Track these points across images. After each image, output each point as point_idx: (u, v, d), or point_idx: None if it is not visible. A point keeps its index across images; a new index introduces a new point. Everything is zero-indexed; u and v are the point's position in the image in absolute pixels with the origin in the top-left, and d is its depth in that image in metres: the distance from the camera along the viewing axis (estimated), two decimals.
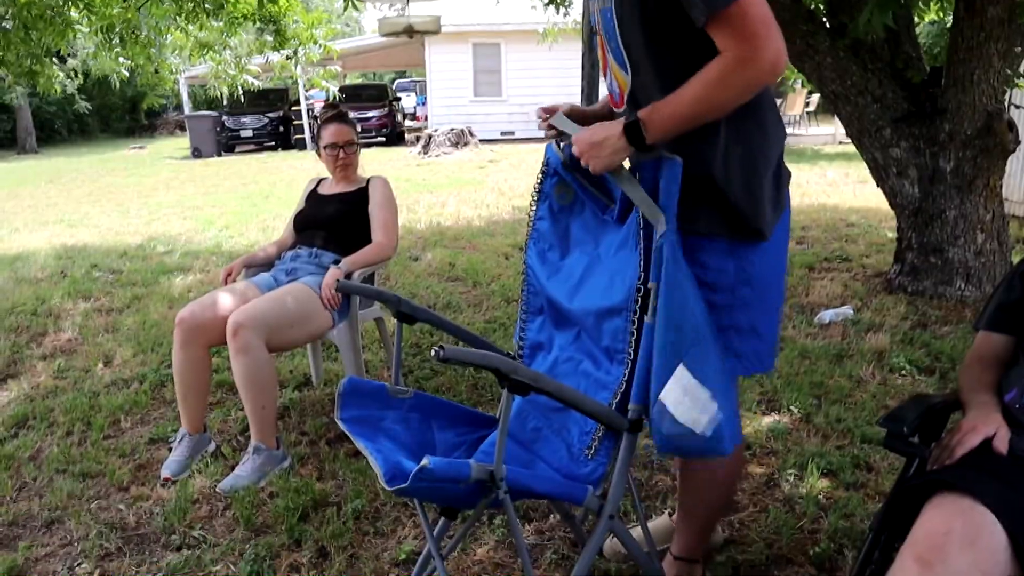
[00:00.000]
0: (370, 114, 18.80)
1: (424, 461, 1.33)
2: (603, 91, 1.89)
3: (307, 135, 19.07)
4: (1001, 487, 1.36)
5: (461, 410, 1.99)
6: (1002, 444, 1.48)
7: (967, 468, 1.44)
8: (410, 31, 4.13)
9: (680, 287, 1.50)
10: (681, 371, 1.47)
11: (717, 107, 1.46)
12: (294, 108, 19.56)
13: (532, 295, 1.95)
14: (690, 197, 1.54)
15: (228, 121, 19.53)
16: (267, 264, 3.19)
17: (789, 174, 1.72)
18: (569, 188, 1.82)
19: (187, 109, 21.58)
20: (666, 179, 1.52)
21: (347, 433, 1.69)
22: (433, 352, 1.30)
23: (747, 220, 1.59)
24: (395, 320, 1.96)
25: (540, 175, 1.87)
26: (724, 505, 2.12)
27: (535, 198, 1.89)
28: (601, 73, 1.78)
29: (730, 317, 1.65)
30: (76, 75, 11.12)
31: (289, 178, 12.85)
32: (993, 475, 1.40)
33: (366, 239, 3.08)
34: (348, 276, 2.92)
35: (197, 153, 18.39)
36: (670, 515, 2.23)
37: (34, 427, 3.25)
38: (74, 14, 6.28)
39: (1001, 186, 4.40)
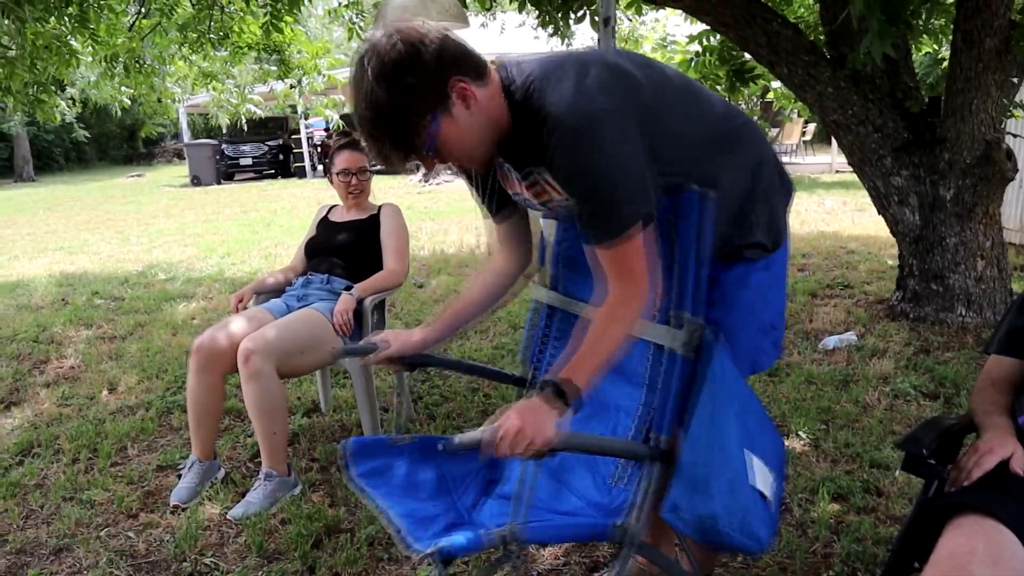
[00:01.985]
0: None
1: (431, 549, 1.35)
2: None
3: (307, 163, 19.17)
4: (1021, 507, 1.38)
5: None
6: (1019, 466, 1.50)
7: (987, 489, 1.45)
8: None
9: (736, 395, 1.59)
10: (748, 455, 1.56)
11: (618, 343, 1.51)
12: (293, 136, 19.68)
13: (557, 319, 1.97)
14: (733, 234, 1.63)
15: (227, 149, 19.64)
16: (277, 290, 3.20)
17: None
18: None
19: (186, 137, 21.70)
20: (697, 215, 1.56)
21: (359, 494, 1.70)
22: (440, 447, 1.32)
23: (778, 234, 1.69)
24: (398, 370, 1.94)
25: None
26: None
27: (552, 223, 1.92)
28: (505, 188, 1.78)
29: (762, 319, 1.74)
30: (74, 103, 11.22)
31: (290, 206, 12.90)
32: (1012, 496, 1.42)
33: (377, 266, 3.11)
34: (360, 302, 2.94)
35: (196, 181, 18.46)
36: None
37: (39, 454, 3.24)
38: (78, 44, 6.36)
39: (1000, 214, 4.45)
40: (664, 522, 1.52)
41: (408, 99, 1.41)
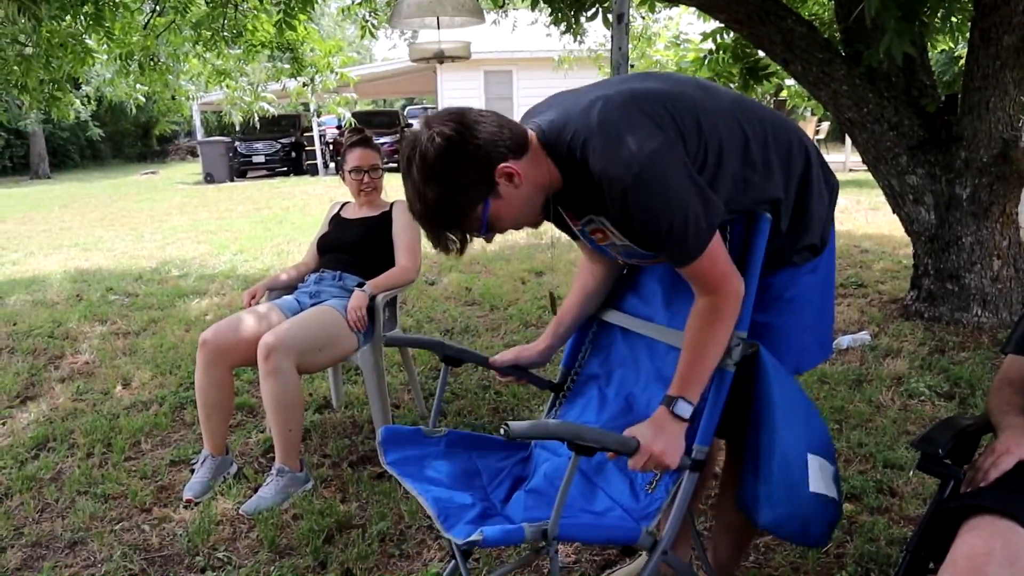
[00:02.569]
0: (382, 140, 18.93)
1: (477, 536, 1.37)
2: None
3: (319, 161, 19.22)
4: None
5: (495, 440, 2.02)
6: None
7: (1003, 490, 1.44)
8: (440, 57, 4.22)
9: (789, 389, 1.66)
10: (811, 458, 1.64)
11: (720, 348, 1.58)
12: (306, 134, 19.74)
13: (603, 333, 2.02)
14: (787, 241, 1.68)
15: (240, 147, 19.70)
16: (289, 287, 3.21)
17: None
18: None
19: (199, 135, 21.78)
20: (753, 233, 1.61)
21: (397, 478, 1.73)
22: (502, 431, 1.36)
23: (825, 234, 1.74)
24: (442, 364, 2.00)
25: None
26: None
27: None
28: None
29: (808, 320, 1.78)
30: (89, 101, 11.29)
31: (302, 203, 12.94)
32: None
33: (389, 263, 3.11)
34: (372, 299, 2.94)
35: (209, 178, 18.54)
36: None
37: (54, 448, 3.26)
38: (93, 42, 6.40)
39: (1016, 213, 4.41)
40: (685, 526, 1.56)
41: (458, 194, 1.47)
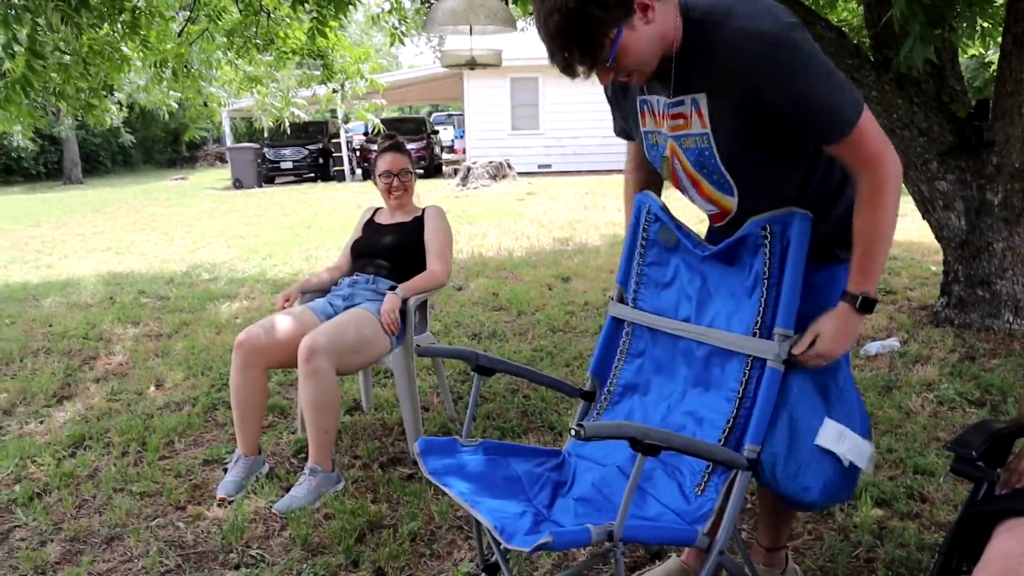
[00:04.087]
0: (409, 146, 19.00)
1: (547, 538, 1.39)
2: None
3: (346, 167, 19.37)
4: None
5: (527, 448, 2.06)
6: None
7: None
8: (472, 64, 4.27)
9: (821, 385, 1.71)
10: (829, 422, 1.68)
11: (891, 229, 1.61)
12: (333, 140, 19.91)
13: (636, 338, 2.03)
14: (838, 234, 1.71)
15: (268, 153, 19.92)
16: (322, 290, 3.26)
17: None
18: (671, 231, 1.92)
19: (228, 141, 22.04)
20: (798, 233, 1.65)
21: (444, 489, 1.74)
22: (573, 432, 1.39)
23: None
24: (474, 374, 2.03)
25: (644, 222, 1.99)
26: None
27: (644, 245, 1.99)
28: (683, 192, 1.86)
29: None
30: (122, 108, 11.48)
31: (329, 209, 13.06)
32: None
33: (421, 267, 3.14)
34: (404, 302, 2.98)
35: (238, 184, 18.75)
36: (677, 555, 2.23)
37: (91, 447, 3.33)
38: (129, 49, 6.51)
39: None
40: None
41: (600, 11, 1.46)
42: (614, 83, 1.79)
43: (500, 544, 1.50)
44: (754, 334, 1.72)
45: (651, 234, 1.97)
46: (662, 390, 1.91)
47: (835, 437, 1.66)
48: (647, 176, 2.05)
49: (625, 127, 1.92)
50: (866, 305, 1.62)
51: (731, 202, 1.74)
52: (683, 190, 1.83)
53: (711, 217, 1.87)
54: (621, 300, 2.05)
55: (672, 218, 1.91)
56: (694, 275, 1.88)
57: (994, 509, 1.43)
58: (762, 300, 1.70)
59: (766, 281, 1.70)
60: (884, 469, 2.81)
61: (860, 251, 1.60)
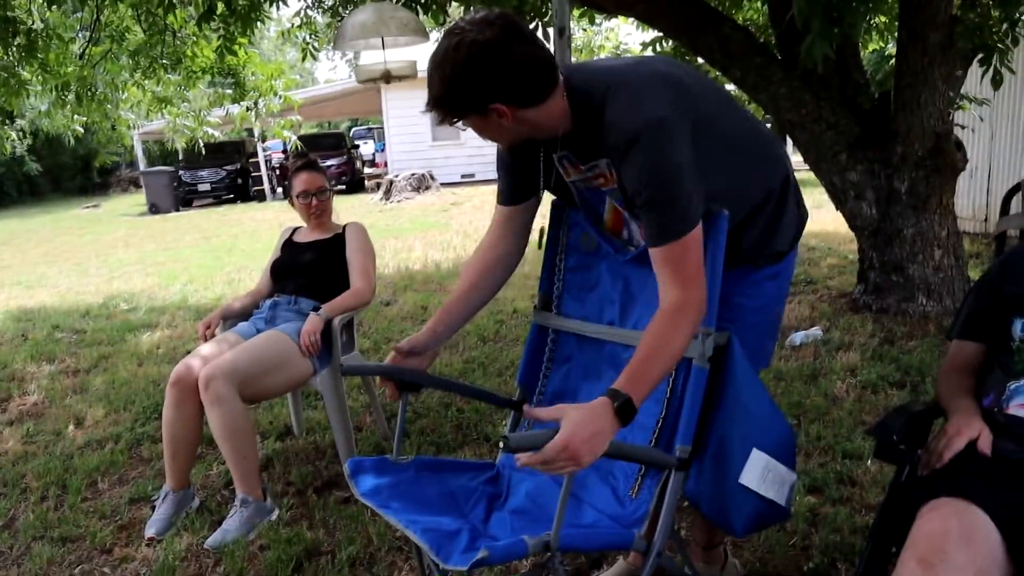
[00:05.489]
0: (329, 162, 18.79)
1: (483, 553, 1.37)
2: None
3: (266, 186, 19.01)
4: (989, 487, 1.41)
5: (461, 463, 2.04)
6: (986, 446, 1.54)
7: (957, 471, 1.49)
8: (387, 77, 4.21)
9: (750, 384, 1.70)
10: (756, 455, 1.66)
11: (675, 357, 1.56)
12: (251, 160, 19.52)
13: (561, 344, 2.01)
14: (759, 243, 1.76)
15: (185, 175, 19.41)
16: (244, 314, 3.17)
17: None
18: (592, 237, 1.92)
19: (142, 165, 21.39)
20: (715, 231, 1.64)
21: (377, 511, 1.70)
22: (501, 445, 1.40)
23: (791, 245, 1.83)
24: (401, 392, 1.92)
25: (562, 229, 1.99)
26: None
27: (564, 251, 1.99)
28: (615, 232, 1.86)
29: (766, 324, 1.87)
30: (25, 135, 11.03)
31: (251, 230, 12.78)
32: (981, 476, 1.46)
33: (344, 285, 3.09)
34: (328, 322, 2.92)
35: (154, 209, 18.21)
36: (624, 558, 2.24)
37: (6, 494, 3.16)
38: (27, 74, 6.27)
39: (953, 204, 4.56)
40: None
41: (462, 97, 1.53)
42: (514, 149, 1.78)
43: (439, 566, 1.46)
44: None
45: (572, 240, 1.97)
46: (591, 395, 1.89)
47: (759, 475, 1.65)
48: (512, 247, 1.96)
49: (516, 190, 1.88)
50: (626, 410, 1.41)
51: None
52: (623, 226, 1.84)
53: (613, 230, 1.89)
54: (545, 307, 2.04)
55: (592, 224, 1.91)
56: (616, 279, 1.89)
57: (917, 488, 1.47)
58: None
59: None
60: (814, 456, 2.87)
61: (642, 356, 1.50)
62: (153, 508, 2.83)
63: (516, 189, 1.88)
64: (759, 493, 1.66)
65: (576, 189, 1.81)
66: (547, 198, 1.95)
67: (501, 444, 1.37)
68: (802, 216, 1.85)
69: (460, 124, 1.60)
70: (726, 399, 1.66)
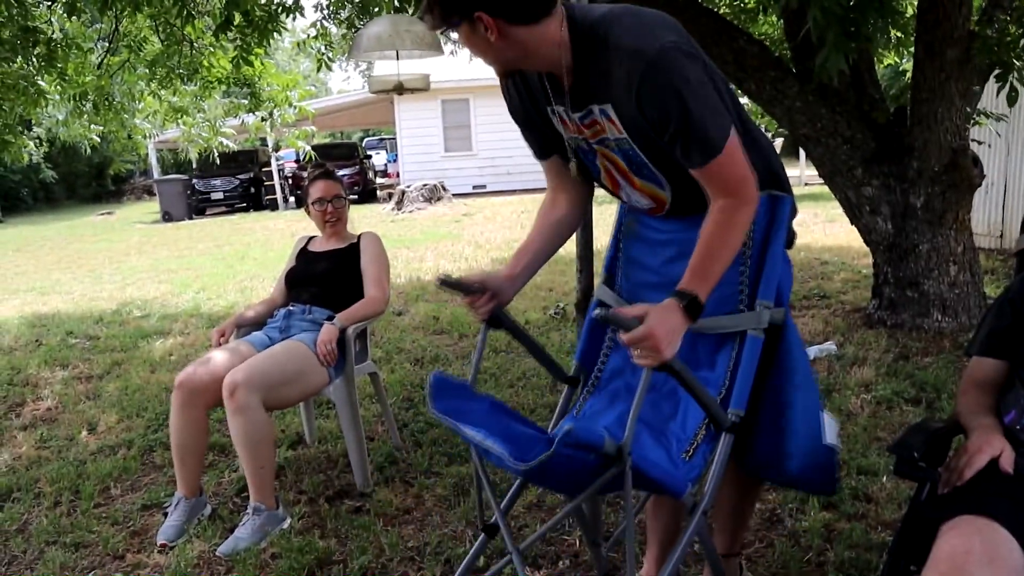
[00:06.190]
0: (341, 172, 18.84)
1: (569, 426, 1.39)
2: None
3: (278, 196, 19.09)
4: (1012, 506, 1.40)
5: (527, 420, 2.03)
6: (1008, 463, 1.52)
7: (979, 489, 1.47)
8: (400, 88, 4.24)
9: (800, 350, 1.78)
10: (826, 417, 1.80)
11: (734, 250, 1.60)
12: (264, 169, 19.62)
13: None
14: None
15: (198, 184, 19.51)
16: (258, 323, 3.18)
17: None
18: (631, 222, 2.00)
19: (156, 173, 21.52)
20: (781, 213, 1.72)
21: (447, 423, 1.69)
22: (596, 314, 1.50)
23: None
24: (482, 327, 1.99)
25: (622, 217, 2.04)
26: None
27: (623, 237, 2.04)
28: (619, 190, 1.86)
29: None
30: (41, 143, 11.12)
31: (263, 239, 12.83)
32: (1003, 494, 1.44)
33: (358, 294, 3.09)
34: (343, 331, 2.93)
35: (168, 217, 18.31)
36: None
37: (19, 499, 3.17)
38: (46, 83, 6.32)
39: (969, 219, 4.54)
40: None
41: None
42: (517, 107, 1.83)
43: (518, 467, 1.44)
44: (740, 311, 1.76)
45: (633, 228, 1.99)
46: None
47: (836, 434, 1.79)
48: (573, 195, 1.99)
49: (543, 144, 1.90)
50: (693, 307, 1.50)
51: (665, 194, 1.76)
52: (618, 187, 1.84)
53: (648, 211, 1.88)
54: (608, 283, 2.05)
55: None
56: (677, 263, 1.87)
57: (939, 506, 1.46)
58: (744, 276, 1.75)
59: (748, 259, 1.75)
60: None
61: (701, 256, 1.56)
62: (165, 515, 2.83)
63: (543, 143, 1.90)
64: (836, 447, 1.78)
65: (571, 147, 1.81)
66: None
67: (595, 315, 1.41)
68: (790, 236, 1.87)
69: (452, 34, 1.59)
70: (795, 367, 1.75)
